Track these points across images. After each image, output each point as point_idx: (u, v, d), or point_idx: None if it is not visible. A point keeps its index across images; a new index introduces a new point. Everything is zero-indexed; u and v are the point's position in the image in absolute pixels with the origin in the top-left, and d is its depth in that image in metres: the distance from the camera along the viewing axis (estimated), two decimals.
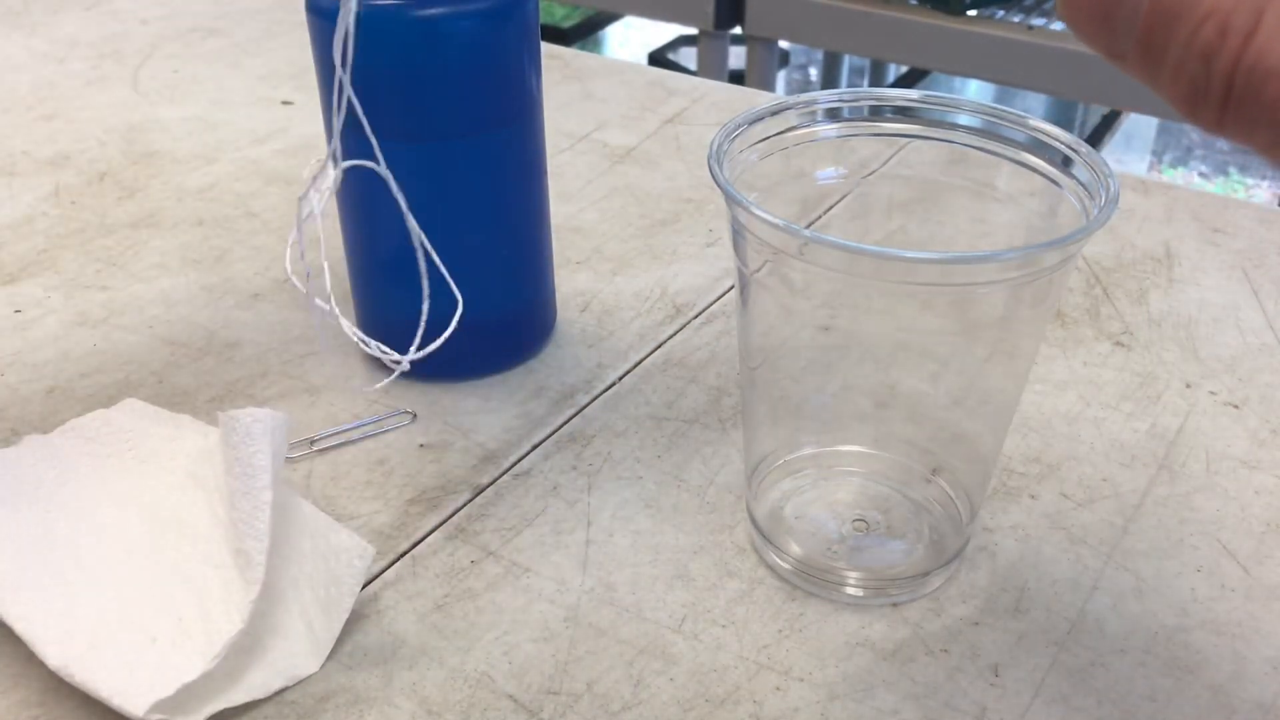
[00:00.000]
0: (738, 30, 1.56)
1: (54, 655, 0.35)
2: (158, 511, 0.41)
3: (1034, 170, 0.37)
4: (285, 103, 0.76)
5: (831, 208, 0.41)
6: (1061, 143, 0.36)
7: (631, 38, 2.57)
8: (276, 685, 0.36)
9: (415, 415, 0.48)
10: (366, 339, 0.37)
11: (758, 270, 0.36)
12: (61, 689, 0.36)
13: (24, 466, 0.41)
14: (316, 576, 0.38)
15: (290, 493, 0.40)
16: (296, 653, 0.37)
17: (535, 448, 0.47)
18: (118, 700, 0.34)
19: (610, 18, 2.08)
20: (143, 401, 0.45)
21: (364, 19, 0.42)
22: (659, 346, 0.53)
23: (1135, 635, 0.38)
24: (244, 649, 0.36)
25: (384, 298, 0.49)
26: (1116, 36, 0.20)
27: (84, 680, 0.35)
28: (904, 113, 0.39)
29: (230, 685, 0.36)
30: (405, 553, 0.41)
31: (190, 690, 0.34)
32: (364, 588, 0.40)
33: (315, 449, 0.46)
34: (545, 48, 0.76)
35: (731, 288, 0.57)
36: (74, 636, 0.36)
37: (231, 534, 0.38)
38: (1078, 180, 0.36)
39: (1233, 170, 2.40)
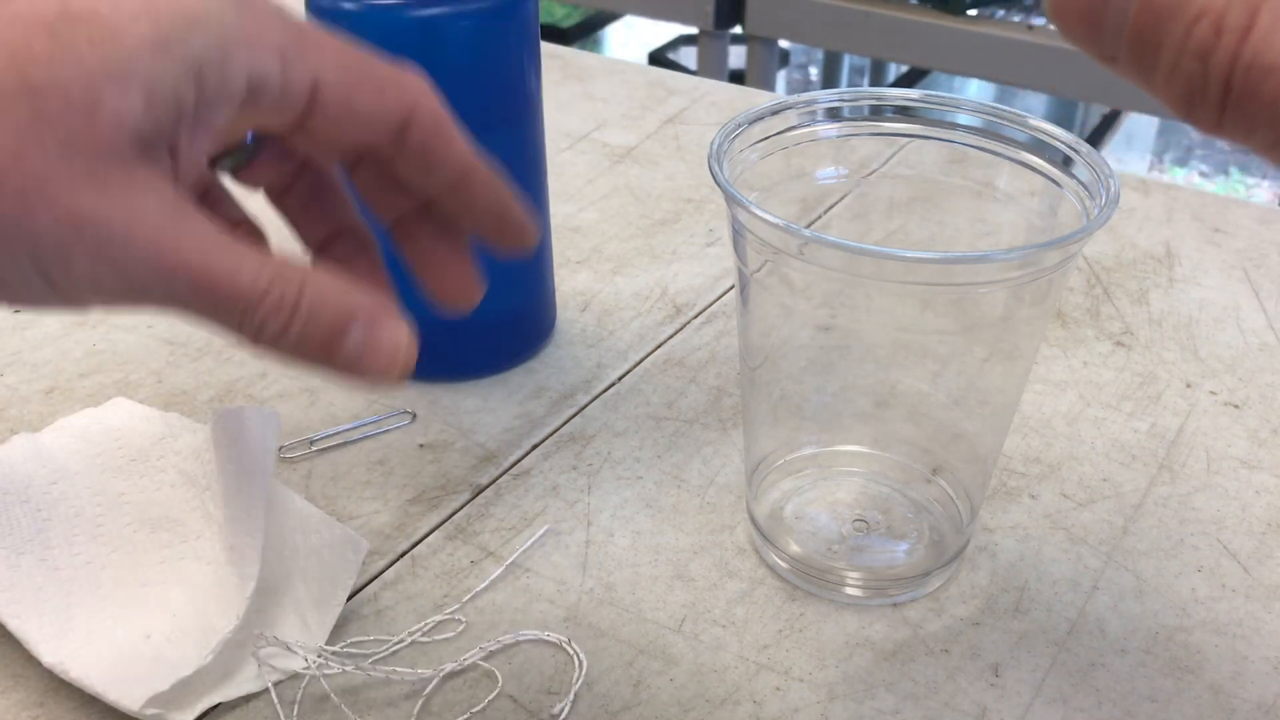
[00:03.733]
0: (738, 30, 1.56)
1: (49, 652, 0.35)
2: (149, 509, 0.41)
3: (1034, 170, 0.37)
4: None
5: (831, 208, 0.41)
6: (1062, 142, 0.36)
7: (631, 37, 2.57)
8: (270, 679, 0.36)
9: (415, 415, 0.48)
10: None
11: (758, 270, 0.36)
12: (61, 689, 0.36)
13: (13, 464, 0.41)
14: (310, 571, 0.38)
15: (282, 488, 0.40)
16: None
17: (535, 448, 0.46)
18: (113, 695, 0.34)
19: (610, 17, 2.07)
20: (131, 401, 0.45)
21: (364, 19, 0.42)
22: (659, 346, 0.53)
23: (1135, 635, 0.38)
24: (238, 644, 0.36)
25: None
26: (1106, 38, 0.20)
27: (79, 676, 0.35)
28: (904, 112, 0.39)
29: (225, 680, 0.36)
30: (405, 553, 0.41)
31: (186, 685, 0.34)
32: (364, 588, 0.40)
33: (315, 449, 0.46)
34: (545, 48, 0.76)
35: (731, 288, 0.57)
36: (68, 633, 0.36)
37: (225, 531, 0.38)
38: (1078, 180, 0.36)
39: (1233, 169, 2.40)
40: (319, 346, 0.27)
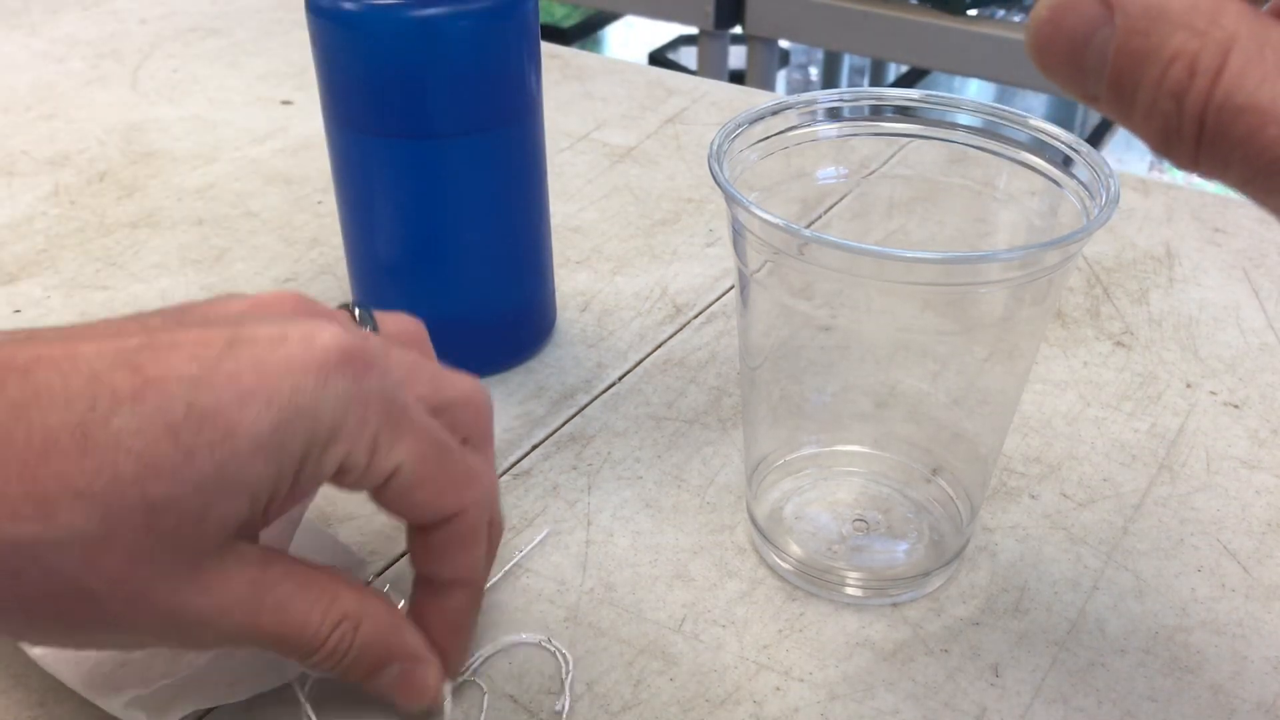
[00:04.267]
0: (738, 30, 1.56)
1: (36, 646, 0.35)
2: None
3: (1034, 170, 0.37)
4: (285, 102, 0.76)
5: (831, 208, 0.41)
6: (1062, 142, 0.36)
7: (631, 38, 2.57)
8: (259, 688, 0.35)
9: None
10: None
11: (758, 270, 0.36)
12: (61, 689, 0.36)
13: None
14: None
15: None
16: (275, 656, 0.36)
17: (535, 448, 0.46)
18: (90, 693, 0.34)
19: (610, 18, 2.07)
20: None
21: (364, 19, 0.42)
22: (659, 346, 0.53)
23: (1135, 635, 0.38)
24: (227, 651, 0.36)
25: (383, 298, 0.49)
26: (1087, 79, 0.21)
27: (59, 670, 0.34)
28: (904, 112, 0.39)
29: (211, 687, 0.35)
30: (405, 553, 0.41)
31: (171, 690, 0.34)
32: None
33: None
34: (545, 48, 0.76)
35: (731, 288, 0.57)
36: None
37: None
38: (1078, 180, 0.36)
39: None
40: (361, 677, 0.33)
